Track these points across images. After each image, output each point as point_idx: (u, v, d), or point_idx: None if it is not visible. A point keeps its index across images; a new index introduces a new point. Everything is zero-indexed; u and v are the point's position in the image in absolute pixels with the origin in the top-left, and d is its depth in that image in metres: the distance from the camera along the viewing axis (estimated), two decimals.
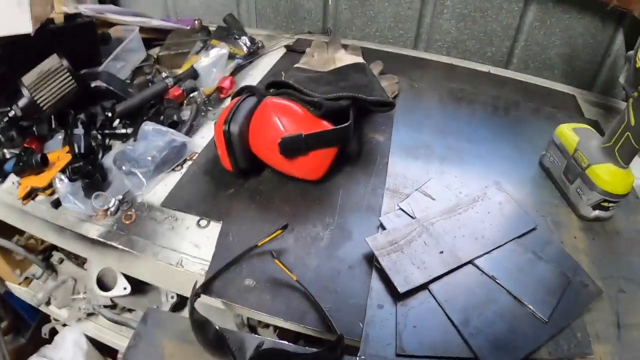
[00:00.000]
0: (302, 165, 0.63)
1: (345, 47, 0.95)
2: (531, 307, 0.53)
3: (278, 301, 0.53)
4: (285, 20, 1.11)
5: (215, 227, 0.62)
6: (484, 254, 0.58)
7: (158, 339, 0.50)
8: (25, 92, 0.68)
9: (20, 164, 0.67)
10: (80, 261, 0.96)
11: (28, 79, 0.69)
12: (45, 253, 0.94)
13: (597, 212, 0.66)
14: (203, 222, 0.63)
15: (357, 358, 0.47)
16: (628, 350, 0.50)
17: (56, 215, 0.65)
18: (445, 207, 0.63)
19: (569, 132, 0.71)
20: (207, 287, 0.54)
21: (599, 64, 1.00)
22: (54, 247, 0.94)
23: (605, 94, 1.02)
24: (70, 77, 0.71)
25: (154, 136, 0.71)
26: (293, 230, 0.60)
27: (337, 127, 0.62)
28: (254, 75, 0.94)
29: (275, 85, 0.68)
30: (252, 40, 0.93)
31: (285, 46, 0.99)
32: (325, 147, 0.62)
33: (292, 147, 0.60)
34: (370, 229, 0.60)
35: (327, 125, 0.63)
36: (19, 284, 0.91)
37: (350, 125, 0.63)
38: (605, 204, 0.65)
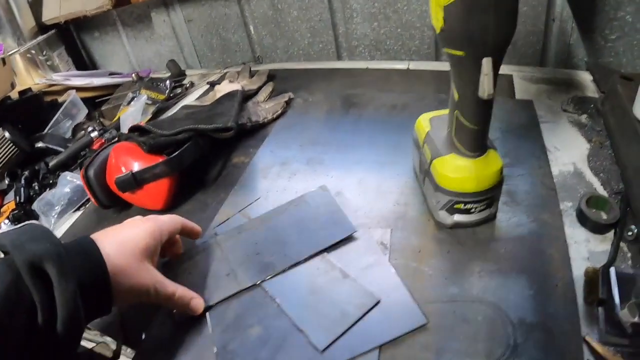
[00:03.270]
0: (142, 198, 0.73)
1: (253, 73, 1.06)
2: (307, 334, 0.49)
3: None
4: (221, 55, 1.25)
5: None
6: (277, 274, 0.56)
7: None
8: None
9: None
10: None
11: None
12: None
13: (456, 217, 0.56)
14: None
15: None
16: None
17: None
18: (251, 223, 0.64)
19: (423, 123, 0.62)
20: None
21: (544, 33, 0.91)
22: None
23: (559, 66, 0.93)
24: (13, 145, 0.96)
25: (64, 182, 0.92)
26: None
27: (160, 161, 0.73)
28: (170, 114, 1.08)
29: (134, 129, 0.83)
30: (171, 83, 1.10)
31: (208, 82, 1.13)
32: (154, 180, 0.72)
33: (125, 184, 0.71)
34: None
35: (157, 160, 0.75)
36: None
37: (175, 157, 0.73)
38: (461, 206, 0.55)
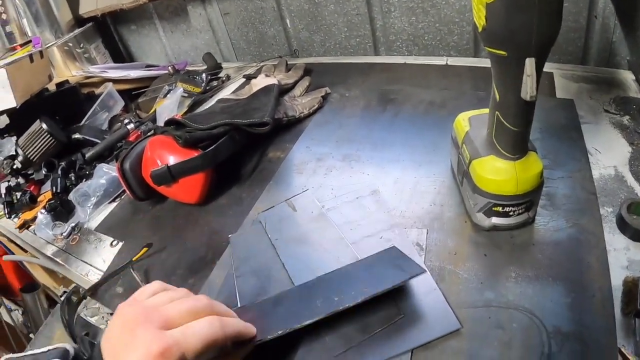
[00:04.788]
0: (177, 191, 0.79)
1: (289, 67, 1.10)
2: (325, 338, 0.50)
3: None
4: (258, 49, 1.30)
5: (120, 246, 0.83)
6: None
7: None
8: (19, 150, 1.03)
9: (17, 202, 1.02)
10: None
11: (21, 140, 1.04)
12: None
13: (494, 220, 0.58)
14: (114, 243, 0.84)
15: None
16: None
17: (35, 239, 0.94)
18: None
19: (463, 122, 0.63)
20: (94, 292, 0.73)
21: (586, 30, 0.90)
22: None
23: (601, 64, 0.92)
24: (50, 136, 1.03)
25: (100, 173, 0.98)
26: (165, 247, 0.75)
27: (196, 155, 0.78)
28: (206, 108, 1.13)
29: (170, 122, 0.88)
30: (207, 76, 1.15)
31: (244, 75, 1.18)
32: (189, 174, 0.76)
33: (160, 177, 0.76)
34: None
35: (193, 154, 0.80)
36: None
37: (211, 152, 0.77)
38: (499, 209, 0.57)
